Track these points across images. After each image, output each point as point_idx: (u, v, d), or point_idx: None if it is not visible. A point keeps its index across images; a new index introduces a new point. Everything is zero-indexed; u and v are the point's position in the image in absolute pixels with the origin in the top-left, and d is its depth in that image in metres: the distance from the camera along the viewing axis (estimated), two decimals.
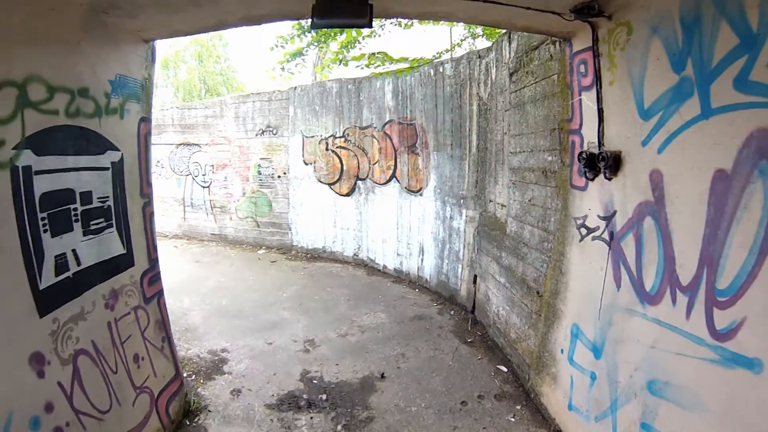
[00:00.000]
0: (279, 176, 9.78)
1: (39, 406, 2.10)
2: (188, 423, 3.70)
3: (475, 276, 5.75)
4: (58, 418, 2.21)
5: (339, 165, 8.73)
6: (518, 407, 3.90)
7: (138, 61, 3.03)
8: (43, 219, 2.16)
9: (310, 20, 2.39)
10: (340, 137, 8.65)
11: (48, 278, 2.19)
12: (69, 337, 2.35)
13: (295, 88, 9.35)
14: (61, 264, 2.29)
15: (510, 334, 4.51)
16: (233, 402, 4.03)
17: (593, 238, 2.97)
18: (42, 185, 2.15)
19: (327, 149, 8.87)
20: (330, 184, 8.96)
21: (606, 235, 2.81)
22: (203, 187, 10.74)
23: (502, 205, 4.88)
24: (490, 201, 5.34)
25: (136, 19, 2.65)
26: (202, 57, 23.05)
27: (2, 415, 1.85)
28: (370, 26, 2.50)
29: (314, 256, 9.45)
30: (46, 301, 2.17)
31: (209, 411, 3.88)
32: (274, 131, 9.70)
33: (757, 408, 1.74)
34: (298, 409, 3.92)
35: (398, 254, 7.76)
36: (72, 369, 2.36)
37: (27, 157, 2.04)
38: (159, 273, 3.46)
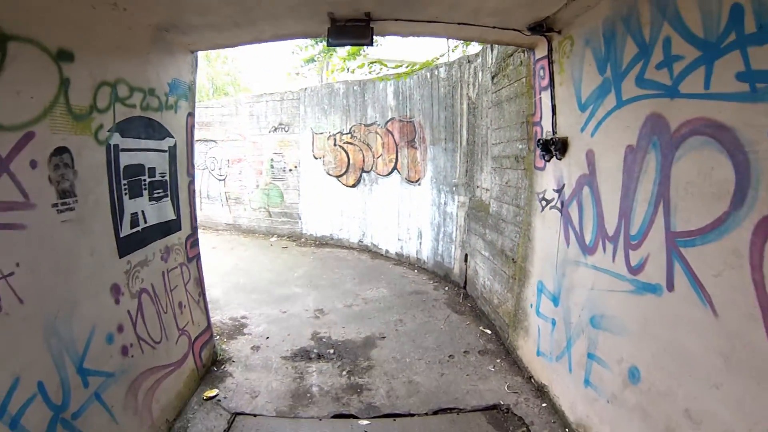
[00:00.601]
0: (290, 170, 10.46)
1: (113, 326, 2.74)
2: (215, 369, 4.34)
3: (466, 255, 6.39)
4: (125, 339, 2.85)
5: (346, 159, 9.40)
6: (498, 360, 4.52)
7: (186, 68, 3.70)
8: (124, 185, 2.82)
9: (325, 39, 3.05)
10: (346, 134, 9.31)
11: (125, 230, 2.85)
12: (137, 277, 3.00)
13: (305, 89, 10.04)
14: (134, 220, 2.95)
15: (493, 300, 5.15)
16: (253, 355, 4.68)
17: (551, 208, 3.60)
18: (124, 159, 2.81)
19: (335, 144, 9.54)
20: (337, 177, 9.63)
21: (558, 204, 3.44)
22: (219, 180, 11.43)
23: (486, 189, 5.53)
24: (477, 187, 5.98)
25: (188, 35, 3.31)
26: (210, 58, 23.66)
27: (87, 329, 2.48)
28: (372, 44, 3.15)
29: (322, 242, 10.12)
30: (124, 247, 2.83)
31: (233, 361, 4.53)
32: (286, 128, 10.37)
33: (661, 322, 2.34)
34: (309, 360, 4.57)
35: (399, 239, 8.41)
36: (137, 303, 3.01)
37: (116, 138, 2.70)
38: (198, 239, 4.12)
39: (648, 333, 2.42)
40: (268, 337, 5.06)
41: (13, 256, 1.94)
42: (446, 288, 6.82)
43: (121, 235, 2.79)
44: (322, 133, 9.78)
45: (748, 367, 1.76)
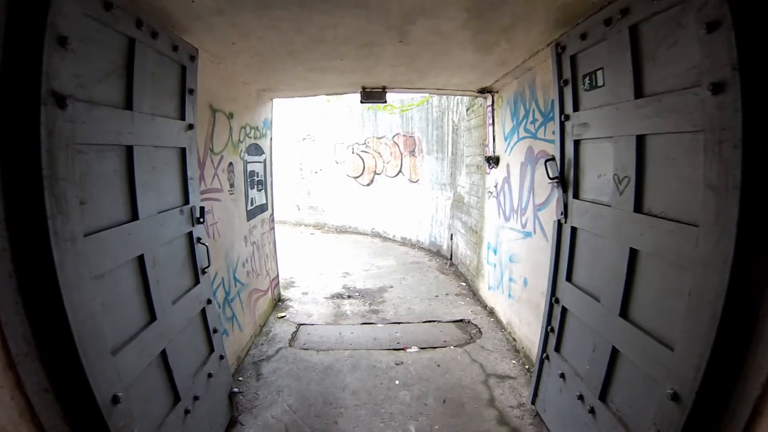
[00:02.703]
0: (316, 172, 12.52)
1: (245, 258, 4.79)
2: (281, 303, 6.39)
3: (451, 234, 8.42)
4: (248, 267, 4.90)
5: (362, 164, 11.46)
6: (467, 299, 6.54)
7: (269, 110, 5.77)
8: (248, 182, 4.88)
9: (360, 97, 5.10)
10: (362, 144, 11.36)
11: (249, 206, 4.91)
12: (252, 234, 5.06)
13: (329, 106, 12.05)
14: (251, 201, 5.02)
15: (466, 262, 7.18)
16: (304, 297, 6.73)
17: (492, 197, 5.63)
18: (248, 168, 4.87)
19: (353, 152, 11.61)
20: (355, 178, 11.69)
21: (495, 194, 5.47)
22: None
23: (462, 187, 7.55)
24: (458, 185, 8.00)
25: (274, 93, 5.37)
26: None
27: (236, 256, 4.52)
28: (386, 102, 5.21)
29: (342, 230, 12.18)
30: (248, 216, 4.89)
31: (291, 300, 6.58)
32: (313, 138, 12.43)
33: (533, 251, 4.31)
34: (342, 298, 6.62)
35: (403, 226, 10.45)
36: (252, 249, 5.07)
37: (246, 156, 4.77)
38: (273, 216, 6.18)
39: (529, 258, 4.43)
40: (311, 288, 7.12)
41: (216, 214, 3.98)
42: (438, 260, 8.85)
43: (248, 209, 4.86)
44: (342, 143, 11.85)
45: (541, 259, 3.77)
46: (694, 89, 1.74)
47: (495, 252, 5.56)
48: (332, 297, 6.70)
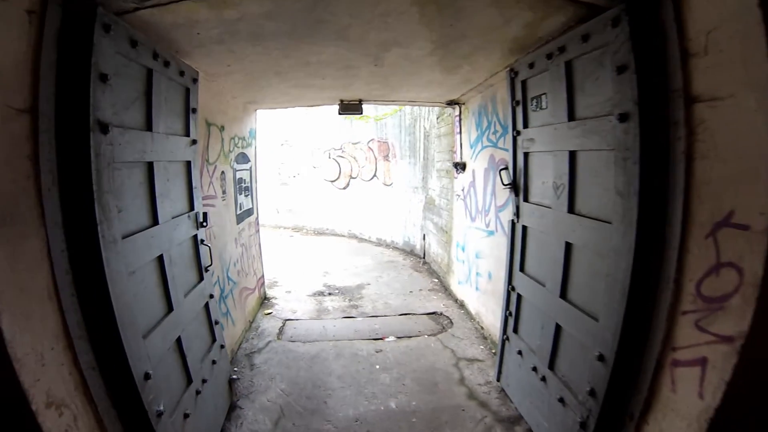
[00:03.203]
0: (294, 176, 12.82)
1: (236, 258, 5.11)
2: (267, 301, 6.71)
3: (424, 235, 8.88)
4: (238, 266, 5.22)
5: (338, 168, 11.83)
6: (440, 294, 7.00)
7: (254, 121, 6.11)
8: (237, 188, 5.21)
9: (338, 109, 5.49)
10: (338, 149, 11.74)
11: (238, 210, 5.24)
12: (241, 236, 5.39)
13: (306, 113, 12.37)
14: (240, 206, 5.35)
15: (438, 260, 7.65)
16: (288, 295, 7.07)
17: (460, 199, 6.11)
18: (237, 175, 5.20)
19: (330, 157, 11.97)
20: (332, 181, 12.05)
21: (463, 197, 5.95)
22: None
23: (433, 190, 8.02)
24: (429, 188, 8.47)
25: (259, 104, 5.72)
26: None
27: (228, 256, 4.85)
28: (361, 113, 5.62)
29: (320, 232, 12.51)
30: (238, 219, 5.22)
31: (276, 298, 6.91)
32: (291, 144, 12.73)
33: (496, 248, 4.79)
34: (323, 296, 6.99)
35: (378, 227, 10.86)
36: (241, 250, 5.40)
37: (235, 165, 5.11)
38: (258, 220, 6.51)
39: (492, 254, 4.91)
40: (294, 287, 7.46)
41: (211, 219, 4.30)
42: (411, 259, 9.31)
43: (237, 214, 5.19)
44: (319, 148, 12.20)
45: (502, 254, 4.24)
46: (609, 117, 2.22)
47: (463, 250, 6.03)
48: (314, 294, 7.06)
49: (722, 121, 1.72)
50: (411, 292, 7.08)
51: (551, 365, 3.01)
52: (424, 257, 8.99)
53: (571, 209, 2.63)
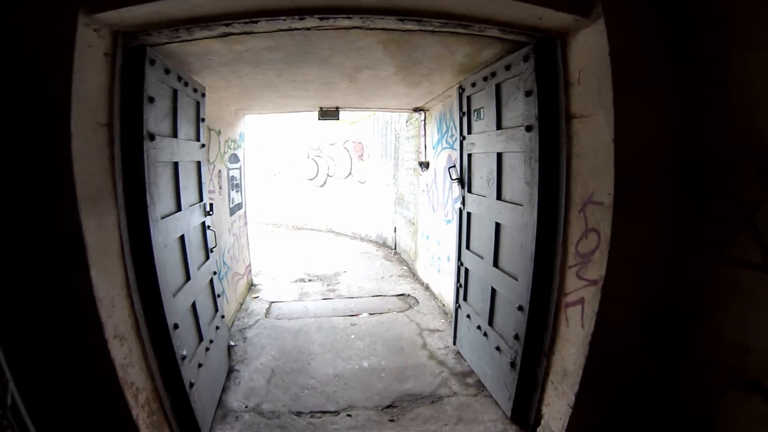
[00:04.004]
0: (275, 175, 13.41)
1: (229, 245, 5.74)
2: (254, 287, 7.36)
3: (395, 228, 9.64)
4: (231, 253, 5.85)
5: (316, 167, 12.49)
6: (408, 279, 7.77)
7: (243, 124, 6.74)
8: (230, 185, 5.85)
9: (317, 115, 6.18)
10: (316, 149, 12.40)
11: (230, 204, 5.88)
12: (233, 227, 6.03)
13: (286, 117, 12.97)
14: (232, 200, 5.98)
15: (407, 250, 8.43)
16: (272, 282, 7.72)
17: (425, 194, 6.89)
18: (230, 174, 5.84)
19: (308, 157, 12.62)
20: (310, 180, 12.70)
21: (427, 192, 6.73)
22: None
23: (403, 186, 8.80)
24: (399, 185, 9.24)
25: (248, 111, 6.36)
26: None
27: (224, 243, 5.49)
28: (338, 119, 6.32)
29: (299, 228, 13.14)
30: (230, 212, 5.86)
31: (261, 285, 7.54)
32: (271, 145, 13.30)
33: (452, 235, 5.48)
34: (304, 282, 7.67)
35: (353, 222, 11.58)
36: (234, 239, 6.04)
37: (228, 164, 5.74)
38: (246, 213, 7.14)
39: (450, 240, 5.67)
40: (277, 275, 8.11)
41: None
42: (384, 250, 10.06)
43: (230, 207, 5.83)
44: (298, 149, 12.83)
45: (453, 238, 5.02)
46: (520, 128, 3.01)
47: (428, 238, 6.82)
48: (296, 281, 7.73)
49: (587, 132, 2.53)
50: (382, 277, 7.83)
51: (490, 322, 3.80)
52: (395, 248, 9.76)
53: (498, 197, 3.42)
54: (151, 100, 2.66)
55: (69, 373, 2.22)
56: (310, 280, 7.76)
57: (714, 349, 2.35)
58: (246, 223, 7.11)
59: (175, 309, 2.98)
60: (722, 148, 2.21)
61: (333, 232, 12.27)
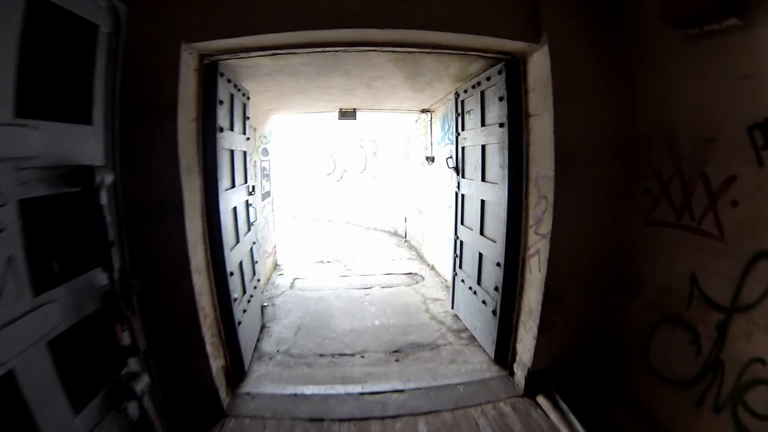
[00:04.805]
0: (295, 170, 14.39)
1: (261, 226, 6.70)
2: (278, 266, 8.32)
3: (405, 218, 10.54)
4: (262, 232, 6.82)
5: (333, 163, 13.45)
6: (416, 261, 8.65)
7: (271, 122, 7.70)
8: (262, 174, 6.80)
9: (337, 115, 7.10)
10: (333, 147, 13.36)
11: (262, 191, 6.83)
12: (264, 210, 6.98)
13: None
14: (263, 187, 6.94)
15: (416, 237, 9.33)
16: (294, 263, 8.67)
17: (430, 184, 7.76)
18: (261, 165, 6.80)
19: (326, 154, 13.58)
20: (328, 174, 13.67)
21: (432, 183, 7.60)
22: None
23: (412, 179, 9.69)
24: (409, 179, 10.13)
25: (277, 111, 7.32)
26: None
27: (258, 225, 6.45)
28: (356, 119, 7.23)
29: (317, 219, 14.12)
30: (262, 197, 6.81)
31: (285, 264, 8.51)
32: (293, 142, 14.29)
33: (449, 218, 6.46)
34: (323, 263, 8.61)
35: (367, 214, 12.50)
36: (264, 220, 6.99)
37: (261, 156, 6.70)
38: (273, 200, 8.10)
39: (450, 223, 6.57)
40: (299, 257, 9.07)
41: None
42: (395, 238, 10.98)
43: (262, 193, 6.79)
44: (317, 146, 13.80)
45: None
46: (496, 125, 3.89)
47: (433, 223, 7.70)
48: (316, 263, 8.68)
49: (538, 126, 3.41)
50: (393, 260, 8.74)
51: (478, 281, 4.67)
52: (405, 236, 10.66)
53: (483, 179, 4.30)
54: (221, 102, 3.60)
55: (167, 289, 3.16)
56: (328, 262, 8.69)
57: (648, 294, 3.19)
58: (273, 210, 8.08)
59: (231, 261, 3.91)
60: (644, 135, 3.08)
61: (349, 223, 13.21)
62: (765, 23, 2.22)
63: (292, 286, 7.12)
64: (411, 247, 9.81)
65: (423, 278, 7.41)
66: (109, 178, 2.15)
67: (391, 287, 6.97)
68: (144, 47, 2.79)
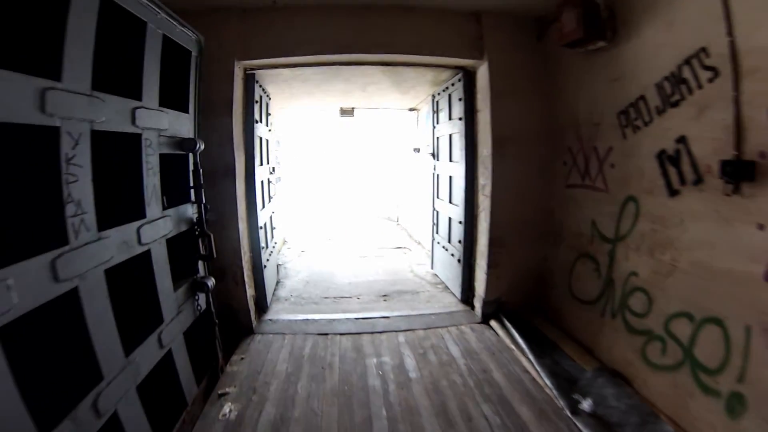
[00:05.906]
0: (299, 161, 15.69)
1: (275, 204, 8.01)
2: (286, 242, 9.61)
3: (397, 204, 11.84)
4: (276, 215, 8.11)
5: (334, 156, 14.73)
6: (406, 239, 9.94)
7: (283, 118, 8.97)
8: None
9: (338, 113, 8.38)
10: (335, 141, 14.63)
11: (278, 174, 8.13)
12: (276, 192, 8.27)
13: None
14: (271, 173, 8.23)
15: (406, 219, 10.63)
16: (300, 239, 9.96)
17: (417, 172, 9.06)
18: (276, 154, 8.08)
19: (328, 147, 14.86)
20: (329, 166, 14.94)
21: (418, 171, 8.89)
22: None
23: (402, 169, 10.99)
24: (401, 169, 11.42)
25: (285, 108, 8.61)
26: None
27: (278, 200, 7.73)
28: (354, 116, 8.51)
29: (319, 207, 15.41)
30: (276, 180, 8.11)
31: (292, 242, 9.80)
32: (296, 139, 15.58)
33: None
34: (327, 240, 9.91)
35: (365, 201, 13.78)
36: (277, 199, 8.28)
37: (275, 147, 7.99)
38: (283, 183, 9.38)
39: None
40: (305, 235, 10.36)
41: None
42: (389, 223, 12.29)
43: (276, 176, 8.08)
44: (318, 141, 15.08)
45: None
46: (458, 119, 5.19)
47: (420, 206, 9.00)
48: (319, 240, 9.98)
49: (482, 119, 4.72)
50: (386, 238, 10.04)
51: (449, 240, 5.96)
52: (397, 221, 11.97)
53: (450, 160, 5.61)
54: (256, 102, 4.89)
55: (222, 229, 4.41)
56: (330, 239, 9.99)
57: (569, 239, 4.45)
58: (283, 194, 9.36)
59: (260, 218, 5.19)
60: (561, 123, 4.38)
61: (348, 210, 14.50)
62: (623, 44, 3.46)
63: (300, 255, 8.41)
64: (402, 229, 11.11)
65: (410, 250, 8.72)
66: (202, 146, 3.44)
67: (383, 256, 8.28)
68: (209, 63, 4.07)
